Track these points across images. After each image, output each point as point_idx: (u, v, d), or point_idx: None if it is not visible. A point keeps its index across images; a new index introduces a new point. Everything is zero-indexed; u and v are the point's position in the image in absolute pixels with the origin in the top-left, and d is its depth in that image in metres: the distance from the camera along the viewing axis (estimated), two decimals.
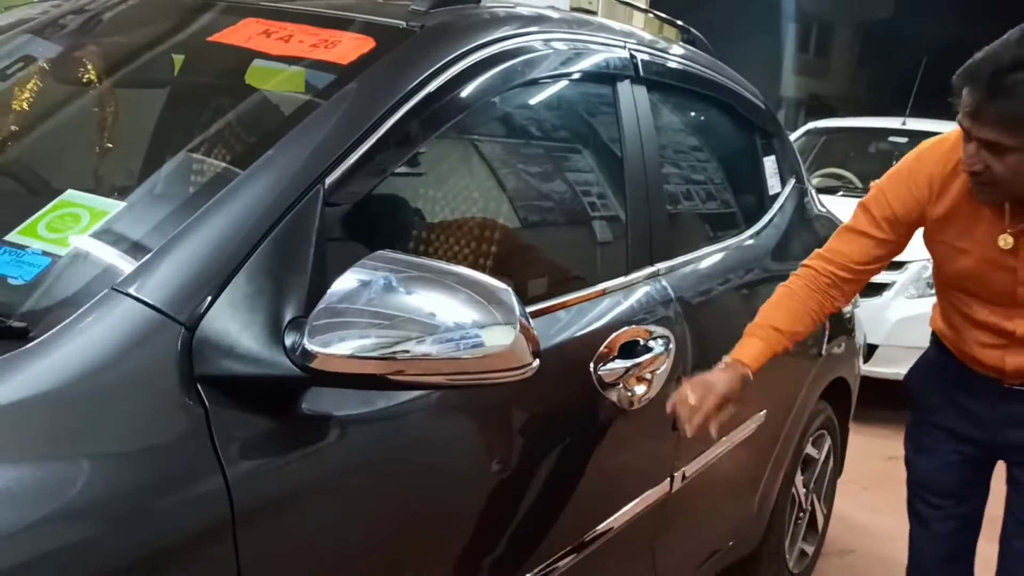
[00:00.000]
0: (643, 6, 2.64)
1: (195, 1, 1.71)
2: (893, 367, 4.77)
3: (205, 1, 1.70)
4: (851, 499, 3.76)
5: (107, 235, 1.13)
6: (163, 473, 0.98)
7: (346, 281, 1.09)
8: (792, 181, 2.75)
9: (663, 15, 2.63)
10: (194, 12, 1.67)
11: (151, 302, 1.03)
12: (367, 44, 1.48)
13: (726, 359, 1.82)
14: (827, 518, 3.15)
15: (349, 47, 1.47)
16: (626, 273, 1.85)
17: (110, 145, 1.47)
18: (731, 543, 2.41)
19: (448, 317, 1.09)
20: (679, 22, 2.60)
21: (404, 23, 1.53)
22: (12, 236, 1.12)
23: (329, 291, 1.09)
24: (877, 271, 1.96)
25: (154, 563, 0.94)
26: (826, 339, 2.67)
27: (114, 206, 1.16)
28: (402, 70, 1.41)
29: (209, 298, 1.07)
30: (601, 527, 1.71)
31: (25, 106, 1.49)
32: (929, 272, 4.42)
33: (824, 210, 3.12)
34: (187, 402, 1.02)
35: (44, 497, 0.89)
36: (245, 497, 1.02)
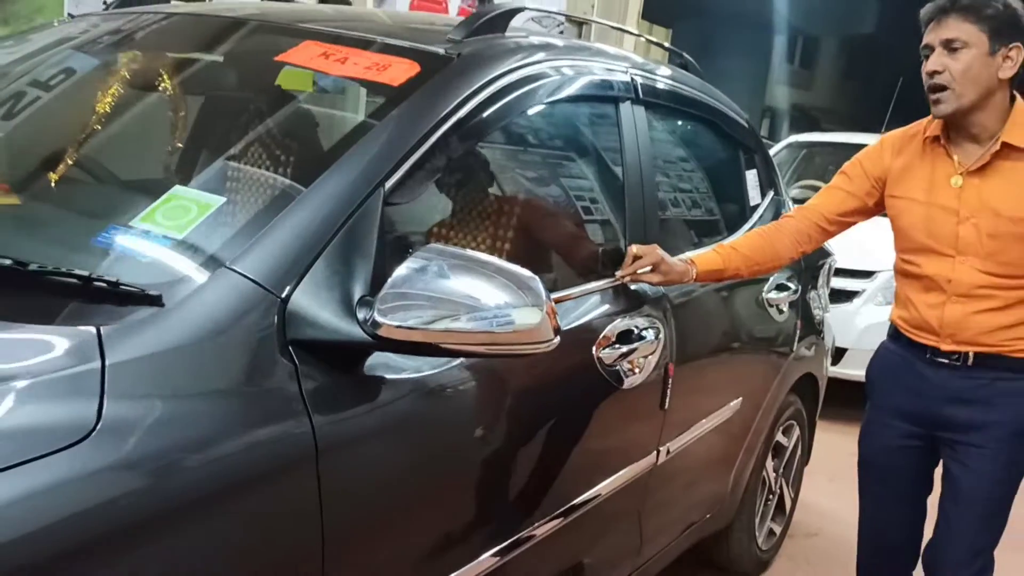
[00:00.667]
0: (635, 30, 2.90)
1: (257, 22, 1.96)
2: (860, 370, 5.05)
3: (262, 22, 1.95)
4: (817, 488, 4.05)
5: (214, 224, 1.38)
6: (264, 413, 1.23)
7: (405, 268, 1.35)
8: (771, 193, 3.03)
9: (655, 40, 2.90)
10: (255, 32, 1.93)
11: (256, 279, 1.29)
12: (414, 68, 1.73)
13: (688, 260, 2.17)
14: (794, 502, 3.43)
15: (398, 71, 1.73)
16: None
17: (203, 150, 1.73)
18: (707, 516, 2.69)
19: (487, 299, 1.35)
20: (670, 46, 2.87)
21: (443, 50, 1.79)
22: (136, 222, 1.37)
23: (392, 276, 1.35)
24: (842, 227, 2.31)
25: (255, 484, 1.19)
26: (797, 338, 2.96)
27: (215, 200, 1.42)
28: (446, 92, 1.67)
29: (298, 277, 1.33)
30: (594, 491, 1.97)
31: (124, 110, 1.75)
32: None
33: None
34: (281, 359, 1.27)
35: (174, 426, 1.13)
36: (326, 436, 1.27)
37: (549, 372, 1.78)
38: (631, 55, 2.46)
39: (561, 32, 6.99)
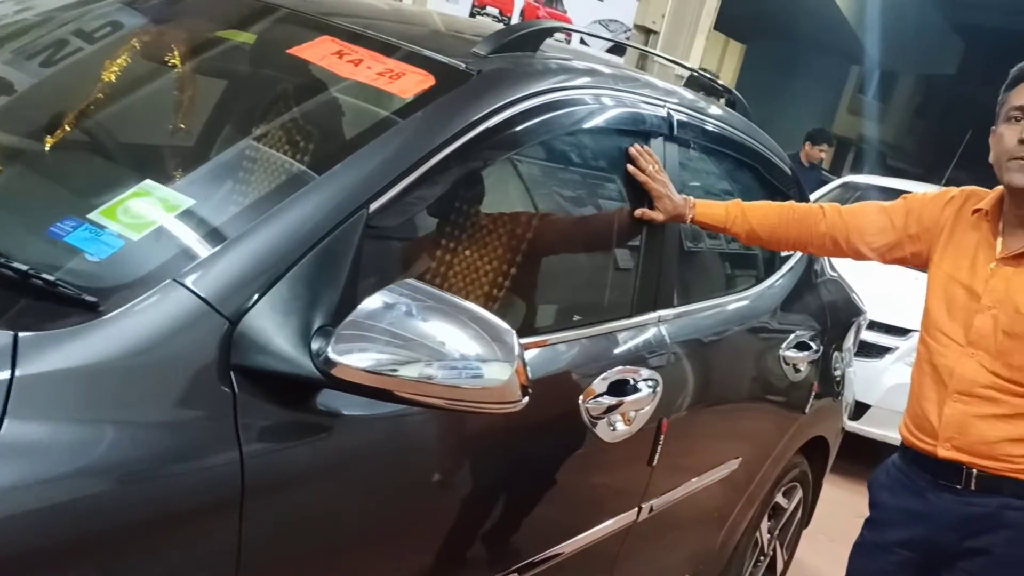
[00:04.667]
0: (689, 65, 2.76)
1: (288, 9, 1.86)
2: (881, 428, 4.91)
3: (291, 11, 1.86)
4: (816, 549, 3.90)
5: (175, 228, 1.29)
6: (189, 444, 1.14)
7: (374, 301, 1.25)
8: None
9: (708, 76, 2.76)
10: (278, 20, 1.83)
11: (203, 295, 1.19)
12: (428, 81, 1.63)
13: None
14: (787, 565, 3.29)
15: (411, 82, 1.63)
16: (629, 316, 2.00)
17: (186, 140, 1.64)
18: (689, 575, 2.57)
19: (456, 347, 1.25)
20: (723, 83, 2.73)
21: (464, 64, 1.68)
22: (94, 215, 1.28)
23: (358, 308, 1.25)
24: (861, 255, 2.13)
25: (163, 522, 1.10)
26: (811, 400, 2.82)
27: (184, 202, 1.33)
28: (455, 111, 1.57)
29: (254, 298, 1.23)
30: (563, 546, 1.86)
31: (109, 81, 1.66)
32: None
33: (835, 274, 3.26)
34: (219, 387, 1.18)
35: (82, 451, 1.04)
36: (257, 475, 1.18)
37: (525, 419, 1.66)
38: (678, 89, 2.33)
39: (628, 39, 6.84)
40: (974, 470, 1.90)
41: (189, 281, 1.20)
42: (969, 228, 1.98)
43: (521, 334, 1.69)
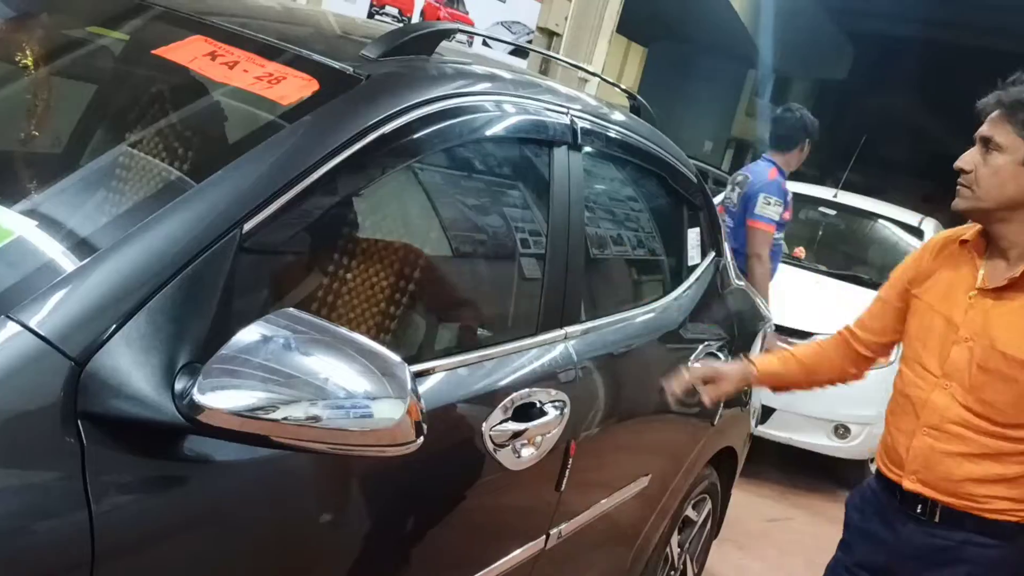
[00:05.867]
0: (593, 70, 2.67)
1: (163, 6, 1.69)
2: (787, 432, 4.95)
3: (166, 9, 1.69)
4: (723, 557, 3.89)
5: (11, 257, 1.13)
6: (28, 505, 0.99)
7: (248, 334, 1.12)
8: (712, 254, 2.84)
9: (610, 80, 2.68)
10: (155, 19, 1.66)
11: (43, 333, 1.04)
12: (310, 87, 1.49)
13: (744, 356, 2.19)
14: None
15: (292, 87, 1.49)
16: (535, 335, 1.89)
17: (29, 150, 1.46)
18: None
19: (342, 384, 1.12)
20: (625, 88, 2.66)
21: (352, 68, 1.55)
22: None
23: (229, 341, 1.11)
24: (886, 346, 2.12)
25: None
26: (719, 411, 2.77)
27: (22, 226, 1.16)
28: (340, 120, 1.43)
29: (105, 334, 1.08)
30: None
31: None
32: None
33: (742, 283, 3.23)
34: (64, 437, 1.03)
35: None
36: (109, 538, 1.03)
37: (422, 452, 1.54)
38: (582, 96, 2.23)
39: (530, 42, 6.76)
40: (939, 504, 1.89)
41: (26, 317, 1.04)
42: (952, 258, 1.96)
43: (420, 359, 1.60)
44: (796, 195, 6.94)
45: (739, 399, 2.96)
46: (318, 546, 1.38)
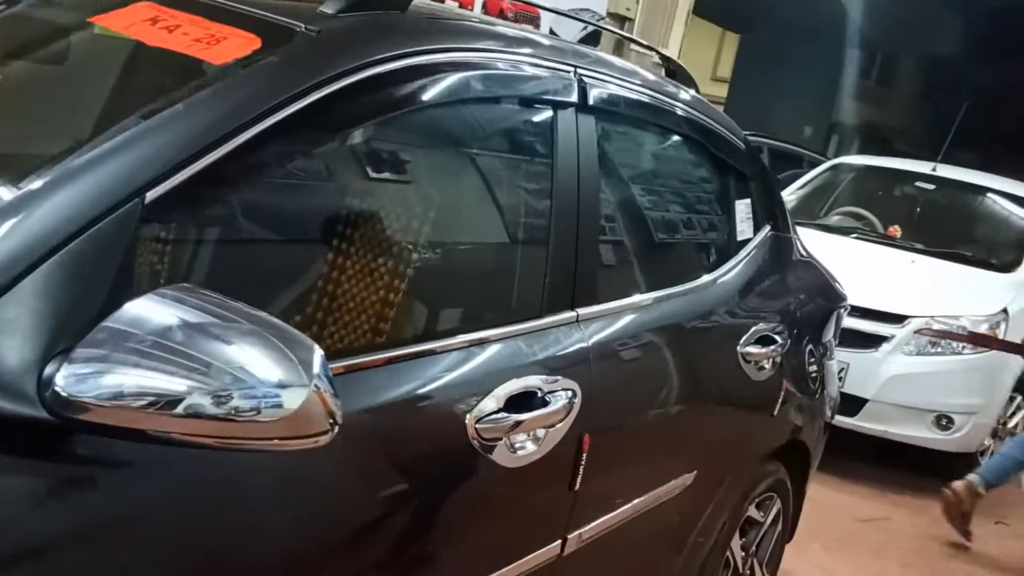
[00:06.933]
0: (634, 36, 2.47)
1: None
2: (881, 424, 4.59)
3: None
4: (809, 559, 3.60)
5: None
6: None
7: (128, 311, 0.98)
8: (767, 227, 2.58)
9: (644, 42, 2.47)
10: None
11: None
12: (251, 45, 1.35)
13: None
14: None
15: (230, 46, 1.35)
16: (539, 316, 1.71)
17: None
18: None
19: (239, 366, 0.98)
20: (660, 50, 2.44)
21: (303, 25, 1.40)
22: None
23: (109, 317, 0.97)
24: None
25: None
26: (780, 400, 2.51)
27: None
28: (277, 80, 1.29)
29: None
30: None
31: None
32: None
33: (809, 258, 2.96)
34: None
35: None
36: None
37: (388, 449, 1.39)
38: (592, 52, 2.03)
39: (601, 20, 6.54)
40: None
41: None
42: None
43: (390, 345, 1.44)
44: (889, 171, 6.55)
45: (805, 386, 2.69)
46: (256, 569, 1.22)
